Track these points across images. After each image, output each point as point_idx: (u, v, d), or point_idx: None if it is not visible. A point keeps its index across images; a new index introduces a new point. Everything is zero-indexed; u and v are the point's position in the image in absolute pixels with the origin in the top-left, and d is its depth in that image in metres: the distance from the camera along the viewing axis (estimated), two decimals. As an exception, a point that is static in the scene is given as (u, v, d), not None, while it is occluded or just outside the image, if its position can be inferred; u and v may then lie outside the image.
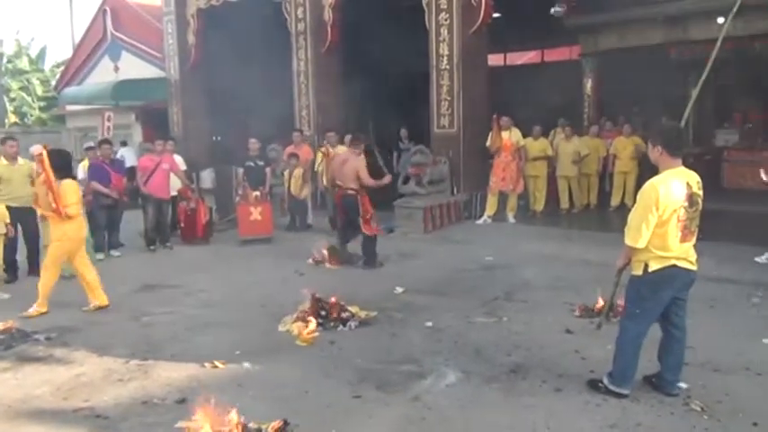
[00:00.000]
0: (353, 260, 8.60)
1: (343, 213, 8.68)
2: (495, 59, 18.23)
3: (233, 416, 3.73)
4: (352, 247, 8.85)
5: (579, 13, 13.99)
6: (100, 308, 6.72)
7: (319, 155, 10.88)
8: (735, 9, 5.87)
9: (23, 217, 8.03)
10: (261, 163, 10.83)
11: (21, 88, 30.60)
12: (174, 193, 10.31)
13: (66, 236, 6.60)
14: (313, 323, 5.72)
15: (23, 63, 31.43)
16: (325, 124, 12.78)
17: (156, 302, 6.99)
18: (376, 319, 6.07)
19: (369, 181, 8.44)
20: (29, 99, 30.39)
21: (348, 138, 10.73)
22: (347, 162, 8.43)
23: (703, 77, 5.53)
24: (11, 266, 8.15)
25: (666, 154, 4.03)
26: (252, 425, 3.77)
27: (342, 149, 10.34)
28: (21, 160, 8.28)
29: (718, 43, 5.69)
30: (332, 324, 5.83)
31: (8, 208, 7.80)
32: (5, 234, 7.75)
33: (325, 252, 8.63)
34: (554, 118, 12.73)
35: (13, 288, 7.72)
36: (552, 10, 13.27)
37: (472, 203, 11.36)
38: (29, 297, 6.69)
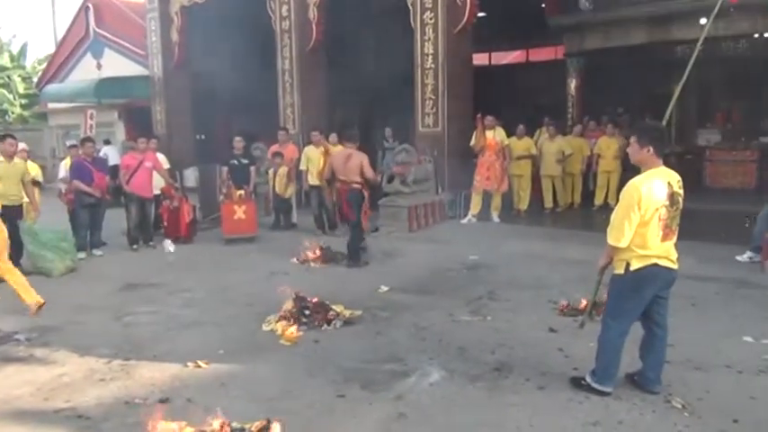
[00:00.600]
0: (338, 259, 8.61)
1: (347, 207, 8.70)
2: (479, 59, 18.30)
3: (215, 421, 3.71)
4: (336, 246, 8.87)
5: (564, 12, 14.10)
6: (41, 306, 6.23)
7: (313, 151, 10.77)
8: (716, 10, 5.92)
9: (12, 216, 8.01)
10: (245, 161, 10.77)
11: (1, 85, 30.26)
12: (157, 191, 10.23)
13: None
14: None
15: (5, 60, 31.09)
16: (310, 123, 12.76)
17: (139, 302, 6.93)
18: (360, 317, 6.07)
19: (373, 175, 8.68)
20: (10, 96, 30.05)
21: (334, 136, 10.72)
22: (352, 157, 8.46)
23: (684, 78, 5.57)
24: None
25: (654, 154, 4.07)
26: (235, 424, 3.75)
27: (335, 148, 10.33)
28: (15, 159, 8.26)
29: (699, 45, 5.74)
30: (316, 323, 5.82)
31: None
32: None
33: (315, 252, 8.64)
34: (539, 117, 12.81)
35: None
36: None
37: (456, 203, 11.38)
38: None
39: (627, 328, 4.25)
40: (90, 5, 20.05)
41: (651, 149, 4.06)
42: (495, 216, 11.02)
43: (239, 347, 5.39)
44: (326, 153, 10.30)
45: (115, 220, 10.27)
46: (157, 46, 16.30)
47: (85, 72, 20.28)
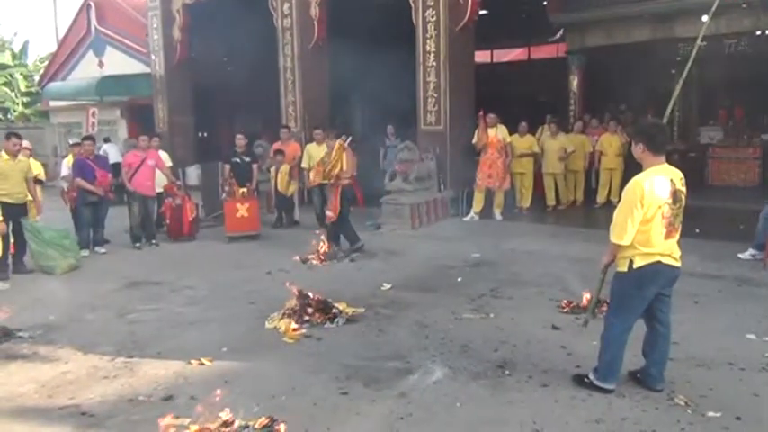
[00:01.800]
0: (338, 255, 8.63)
1: (349, 204, 8.96)
2: (481, 56, 18.30)
3: (223, 415, 3.73)
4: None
5: (566, 10, 14.08)
6: None
7: (315, 149, 10.63)
8: (714, 7, 5.92)
9: (15, 213, 8.04)
10: (247, 159, 10.76)
11: (3, 83, 30.25)
12: (159, 189, 10.24)
13: None
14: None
15: (6, 58, 31.04)
16: (312, 121, 12.75)
17: (142, 299, 6.95)
18: (363, 315, 6.07)
19: None
20: (12, 94, 30.05)
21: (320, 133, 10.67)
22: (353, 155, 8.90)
23: (684, 75, 5.57)
24: (3, 263, 8.07)
25: (648, 151, 4.06)
26: (239, 422, 3.76)
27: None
28: (19, 156, 8.29)
29: (699, 41, 5.73)
30: (319, 321, 5.83)
31: (3, 204, 7.79)
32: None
33: (317, 249, 8.64)
34: (541, 115, 12.80)
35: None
36: None
37: (459, 200, 11.38)
38: (24, 292, 6.60)
39: (630, 325, 4.26)
40: (91, 3, 20.01)
41: (642, 146, 4.07)
42: (497, 214, 11.03)
43: (242, 345, 5.41)
44: (343, 148, 9.06)
45: (118, 219, 10.29)
46: (159, 44, 16.26)
47: (87, 70, 20.24)
